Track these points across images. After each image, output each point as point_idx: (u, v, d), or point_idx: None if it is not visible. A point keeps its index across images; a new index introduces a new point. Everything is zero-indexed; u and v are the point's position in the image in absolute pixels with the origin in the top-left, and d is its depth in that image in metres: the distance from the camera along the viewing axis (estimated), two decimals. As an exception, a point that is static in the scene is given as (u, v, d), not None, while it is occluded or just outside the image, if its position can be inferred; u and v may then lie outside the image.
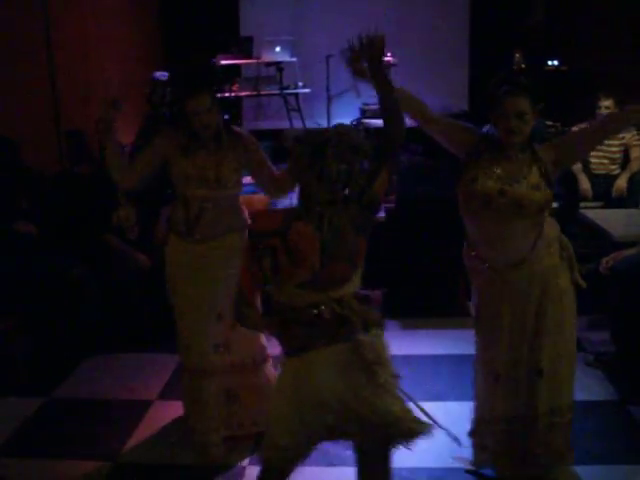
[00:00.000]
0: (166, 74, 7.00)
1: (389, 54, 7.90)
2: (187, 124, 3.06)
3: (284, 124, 8.41)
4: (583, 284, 2.89)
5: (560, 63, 7.49)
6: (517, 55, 6.67)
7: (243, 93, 8.03)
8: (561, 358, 2.85)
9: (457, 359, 4.18)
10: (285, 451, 2.32)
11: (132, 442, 3.52)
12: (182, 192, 3.14)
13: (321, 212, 2.29)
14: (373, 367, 2.28)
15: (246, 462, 3.31)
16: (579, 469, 3.12)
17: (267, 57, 7.89)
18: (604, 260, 4.03)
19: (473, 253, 2.87)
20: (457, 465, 3.13)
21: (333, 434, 2.39)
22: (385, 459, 2.45)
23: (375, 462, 2.47)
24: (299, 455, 2.38)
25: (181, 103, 3.06)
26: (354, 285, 2.35)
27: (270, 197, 3.66)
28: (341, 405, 2.29)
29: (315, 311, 2.28)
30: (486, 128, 2.97)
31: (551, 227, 2.83)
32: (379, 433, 2.33)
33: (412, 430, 2.30)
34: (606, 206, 5.34)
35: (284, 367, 2.42)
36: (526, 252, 2.74)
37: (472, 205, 2.76)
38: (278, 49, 7.88)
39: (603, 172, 5.62)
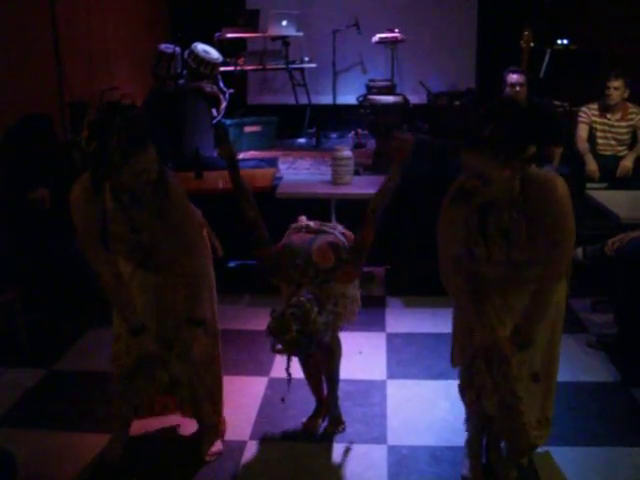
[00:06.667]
0: (172, 46, 6.95)
1: (397, 30, 7.83)
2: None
3: (289, 99, 8.36)
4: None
5: (569, 42, 7.40)
6: (525, 33, 6.57)
7: (248, 67, 7.96)
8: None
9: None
10: None
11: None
12: None
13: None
14: None
15: (247, 437, 3.33)
16: (581, 450, 3.14)
17: (273, 31, 7.81)
18: (610, 241, 3.99)
19: None
20: (457, 444, 3.13)
21: None
22: None
23: None
24: None
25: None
26: None
27: None
28: None
29: None
30: None
31: None
32: None
33: None
34: (610, 187, 5.30)
35: None
36: None
37: None
38: (284, 23, 7.79)
39: (610, 153, 5.58)
